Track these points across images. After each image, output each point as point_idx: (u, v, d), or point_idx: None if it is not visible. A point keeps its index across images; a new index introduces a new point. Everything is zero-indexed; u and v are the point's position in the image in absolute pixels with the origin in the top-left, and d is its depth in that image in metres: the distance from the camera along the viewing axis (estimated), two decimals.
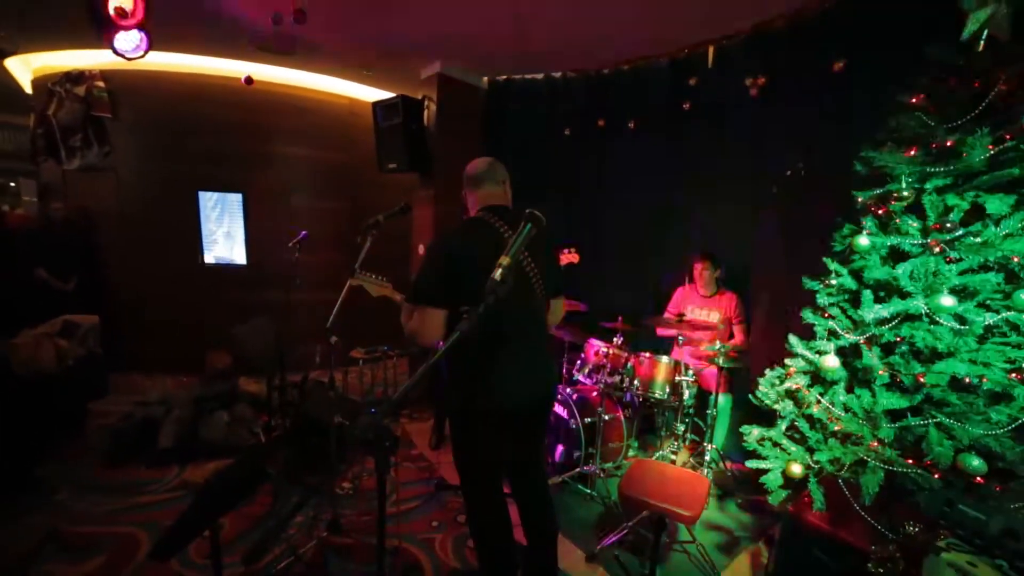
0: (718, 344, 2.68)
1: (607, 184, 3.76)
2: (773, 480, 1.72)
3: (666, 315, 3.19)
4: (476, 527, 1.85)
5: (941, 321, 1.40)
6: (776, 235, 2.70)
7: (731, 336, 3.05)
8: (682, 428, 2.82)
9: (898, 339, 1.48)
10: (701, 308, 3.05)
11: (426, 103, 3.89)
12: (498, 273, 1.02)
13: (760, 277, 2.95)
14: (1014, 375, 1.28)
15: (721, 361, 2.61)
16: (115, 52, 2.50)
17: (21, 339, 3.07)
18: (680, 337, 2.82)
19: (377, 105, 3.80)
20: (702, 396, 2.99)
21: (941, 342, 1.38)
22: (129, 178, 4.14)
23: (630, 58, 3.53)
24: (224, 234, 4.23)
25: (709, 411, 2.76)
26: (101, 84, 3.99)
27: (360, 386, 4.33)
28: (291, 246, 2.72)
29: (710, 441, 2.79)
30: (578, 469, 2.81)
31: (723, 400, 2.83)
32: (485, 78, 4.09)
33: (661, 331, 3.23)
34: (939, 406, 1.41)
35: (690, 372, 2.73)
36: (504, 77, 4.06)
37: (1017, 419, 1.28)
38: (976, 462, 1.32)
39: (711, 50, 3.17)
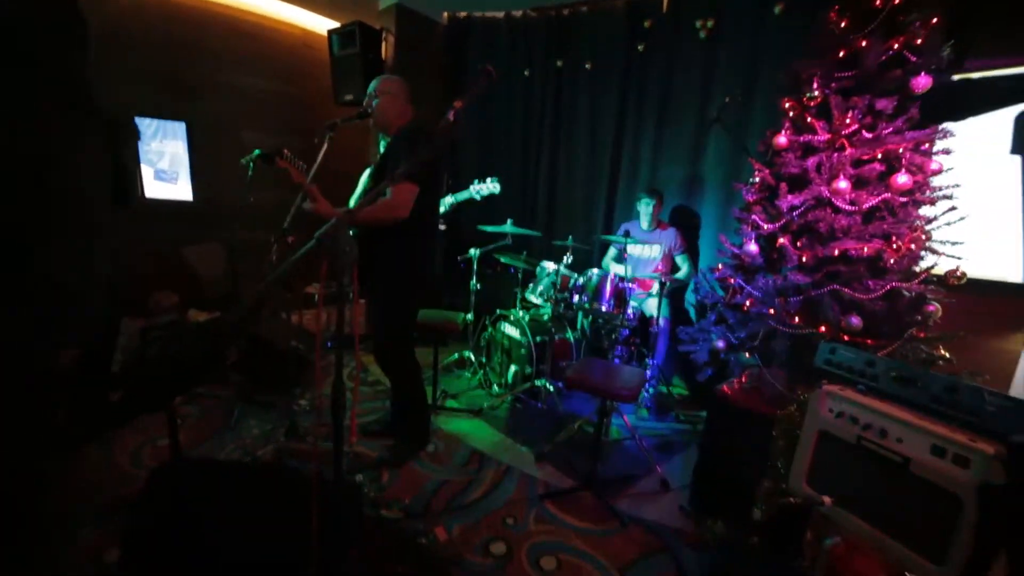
0: (659, 266, 2.92)
1: (564, 122, 3.88)
2: (700, 356, 1.95)
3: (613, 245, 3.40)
4: (411, 385, 2.25)
5: (839, 204, 1.64)
6: (719, 158, 2.93)
7: (676, 269, 3.30)
8: (624, 336, 3.02)
9: (805, 223, 1.71)
10: (642, 242, 3.27)
11: (384, 35, 3.82)
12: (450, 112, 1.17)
13: (707, 198, 3.22)
14: (884, 245, 1.55)
15: (661, 279, 2.84)
16: None
17: None
18: (625, 258, 3.01)
19: (333, 32, 3.69)
20: (645, 323, 3.24)
21: (838, 223, 1.62)
22: None
23: None
24: (167, 166, 4.00)
25: (652, 330, 3.00)
26: None
27: (317, 324, 4.32)
28: (244, 162, 2.66)
29: (652, 359, 3.05)
30: (529, 384, 3.00)
31: (663, 322, 3.08)
32: (445, 13, 4.04)
33: (609, 264, 3.45)
34: (832, 277, 1.66)
35: (634, 285, 2.93)
36: (464, 14, 4.03)
37: (885, 286, 1.56)
38: (856, 321, 1.58)
39: None
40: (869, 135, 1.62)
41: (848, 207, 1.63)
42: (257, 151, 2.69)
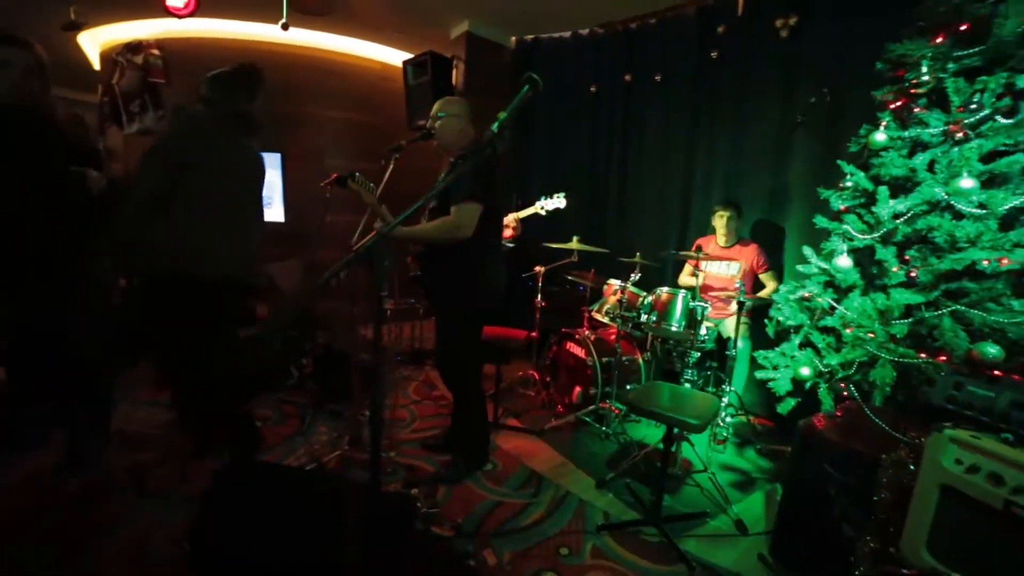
0: (738, 283, 2.65)
1: (634, 136, 3.75)
2: (781, 385, 1.70)
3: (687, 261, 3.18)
4: (477, 415, 2.22)
5: (961, 208, 1.36)
6: (804, 165, 2.64)
7: (760, 289, 3.00)
8: (696, 358, 2.76)
9: (913, 233, 1.44)
10: (719, 259, 3.01)
11: (455, 62, 3.99)
12: (495, 125, 1.08)
13: (791, 211, 2.90)
14: None
15: (741, 298, 2.57)
16: (167, 9, 2.76)
17: None
18: (699, 273, 2.78)
19: (407, 63, 3.93)
20: (722, 346, 2.95)
21: (961, 230, 1.34)
22: None
23: (657, 10, 3.50)
24: (266, 192, 4.47)
25: (728, 352, 2.72)
26: (156, 52, 4.32)
27: (389, 339, 4.51)
28: (323, 185, 2.87)
29: (729, 384, 2.76)
30: (593, 406, 2.85)
31: (742, 344, 2.78)
32: (513, 38, 4.15)
33: (683, 282, 3.22)
34: (955, 296, 1.36)
35: (707, 303, 2.68)
36: (531, 36, 4.10)
37: None
38: (993, 350, 1.27)
39: None
40: (1008, 120, 1.33)
41: (976, 210, 1.34)
42: (334, 175, 2.89)
